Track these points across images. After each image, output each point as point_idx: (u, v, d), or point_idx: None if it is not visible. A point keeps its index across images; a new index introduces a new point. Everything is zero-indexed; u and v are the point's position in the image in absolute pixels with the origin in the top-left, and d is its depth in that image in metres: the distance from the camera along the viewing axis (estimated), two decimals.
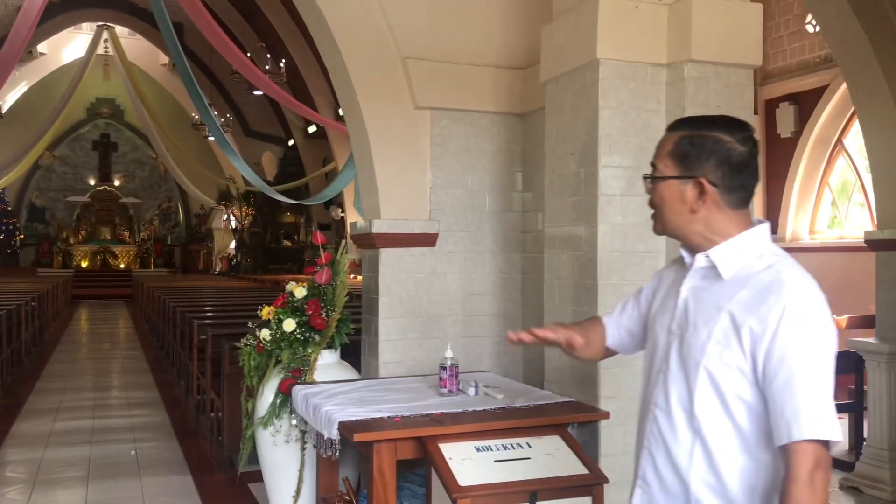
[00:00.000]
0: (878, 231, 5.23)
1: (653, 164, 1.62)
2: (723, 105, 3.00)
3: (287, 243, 25.39)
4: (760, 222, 1.57)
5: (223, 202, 24.66)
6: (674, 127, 1.62)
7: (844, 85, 8.12)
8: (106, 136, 27.62)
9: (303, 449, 3.49)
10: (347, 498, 3.24)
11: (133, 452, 5.71)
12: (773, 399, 1.42)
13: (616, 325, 1.89)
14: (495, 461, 2.52)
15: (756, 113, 9.11)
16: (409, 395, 3.10)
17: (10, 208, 25.50)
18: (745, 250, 1.53)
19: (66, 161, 27.11)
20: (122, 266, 26.37)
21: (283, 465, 3.57)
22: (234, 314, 8.34)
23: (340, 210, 22.15)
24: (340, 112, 18.16)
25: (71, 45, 24.24)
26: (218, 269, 26.11)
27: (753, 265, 1.51)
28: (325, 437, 2.75)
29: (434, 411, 2.81)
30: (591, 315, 2.90)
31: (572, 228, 3.11)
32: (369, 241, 3.91)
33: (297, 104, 13.16)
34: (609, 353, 1.96)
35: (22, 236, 25.75)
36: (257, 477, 4.15)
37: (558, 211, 3.22)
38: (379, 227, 3.84)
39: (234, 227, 25.55)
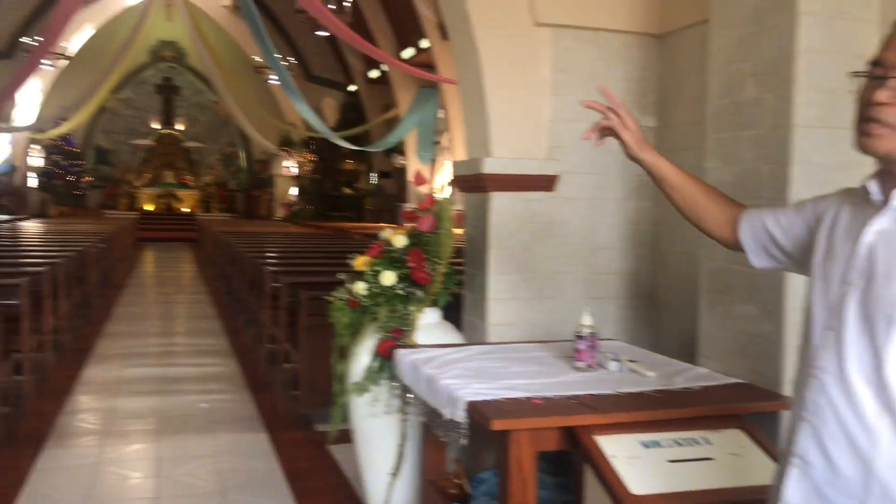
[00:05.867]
0: None
1: None
2: None
3: (347, 191, 25.15)
4: None
5: (284, 148, 24.46)
6: None
7: None
8: (169, 79, 27.55)
9: (404, 421, 3.02)
10: (457, 481, 2.78)
11: (204, 405, 5.40)
12: None
13: (756, 219, 1.62)
14: (668, 461, 1.99)
15: None
16: (537, 369, 2.58)
17: (77, 151, 25.78)
18: None
19: (130, 104, 27.17)
20: (185, 210, 26.54)
21: (379, 438, 3.12)
22: (299, 261, 8.01)
23: (402, 158, 21.68)
24: (404, 55, 17.55)
25: None
26: (279, 216, 26.06)
27: None
28: (447, 417, 2.26)
29: (578, 392, 2.28)
30: (772, 288, 2.34)
31: (749, 169, 2.50)
32: (477, 184, 3.36)
33: (365, 43, 12.53)
34: (735, 242, 1.68)
35: (89, 178, 26.08)
36: (338, 437, 3.73)
37: (726, 148, 2.60)
38: (490, 166, 3.28)
39: (295, 173, 25.37)
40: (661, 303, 3.54)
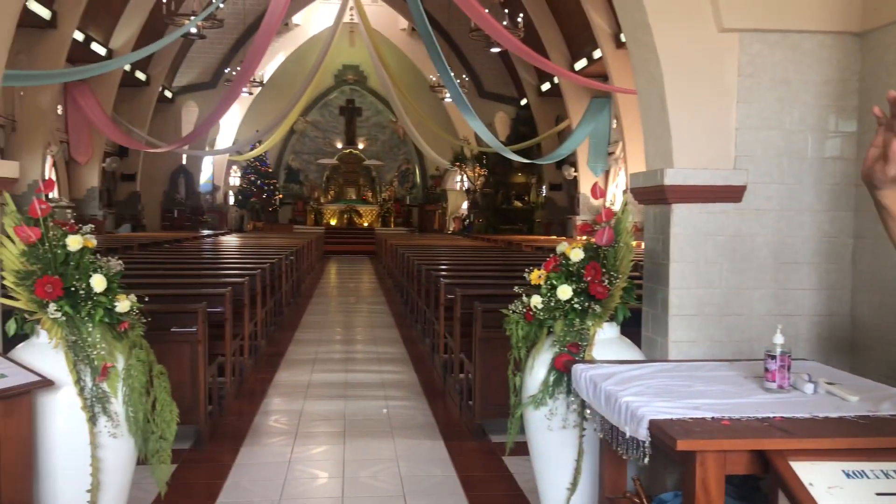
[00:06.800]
0: None
1: None
2: None
3: (517, 204, 25.32)
4: None
5: (457, 163, 25.09)
6: None
7: None
8: (351, 101, 29.22)
9: (581, 436, 3.00)
10: (637, 500, 2.71)
11: (385, 411, 5.64)
12: None
13: None
14: (877, 494, 1.83)
15: None
16: (724, 388, 2.46)
17: (270, 170, 28.01)
18: None
19: (316, 126, 29.12)
20: (365, 224, 27.94)
21: (555, 452, 3.11)
22: (472, 273, 8.15)
23: (573, 169, 21.52)
24: (577, 66, 17.42)
25: (320, 14, 25.62)
26: (451, 229, 26.73)
27: None
28: (628, 435, 2.22)
29: (770, 414, 2.16)
30: None
31: None
32: (658, 195, 3.28)
33: (537, 57, 12.62)
34: None
35: (280, 196, 28.22)
36: (514, 449, 3.76)
37: None
38: (672, 177, 3.18)
39: (466, 187, 25.94)
40: (862, 321, 3.25)
